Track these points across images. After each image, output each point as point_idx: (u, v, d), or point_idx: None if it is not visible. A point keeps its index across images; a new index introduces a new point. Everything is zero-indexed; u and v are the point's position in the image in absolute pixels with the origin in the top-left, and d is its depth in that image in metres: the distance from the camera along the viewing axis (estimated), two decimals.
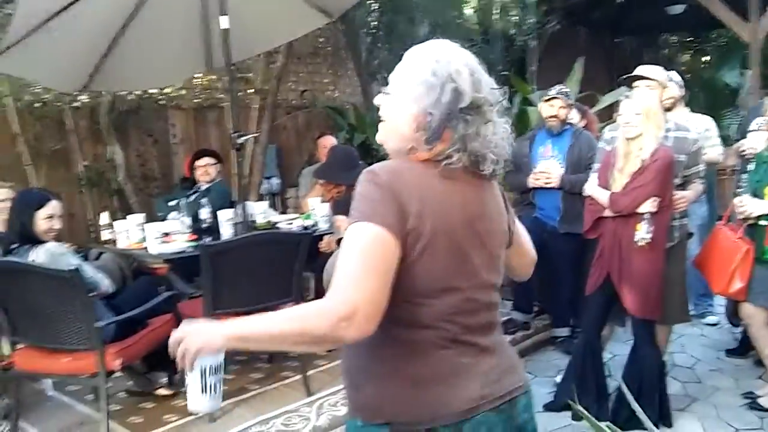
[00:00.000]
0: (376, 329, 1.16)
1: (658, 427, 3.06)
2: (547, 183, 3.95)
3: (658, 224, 2.93)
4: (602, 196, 3.06)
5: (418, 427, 1.23)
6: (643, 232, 2.90)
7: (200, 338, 1.20)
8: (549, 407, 3.34)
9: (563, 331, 4.21)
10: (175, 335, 1.23)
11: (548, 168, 4.00)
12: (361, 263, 1.15)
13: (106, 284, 3.03)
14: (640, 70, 3.40)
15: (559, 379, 3.53)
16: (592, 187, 3.16)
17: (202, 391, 1.30)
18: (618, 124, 3.08)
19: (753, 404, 3.30)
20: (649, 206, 2.90)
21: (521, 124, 5.29)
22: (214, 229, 3.97)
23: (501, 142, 1.30)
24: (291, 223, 4.25)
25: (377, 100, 1.35)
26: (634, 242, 2.92)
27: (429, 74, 1.26)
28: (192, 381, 1.31)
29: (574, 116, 4.17)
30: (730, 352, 4.00)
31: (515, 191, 4.51)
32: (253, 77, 6.10)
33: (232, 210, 3.96)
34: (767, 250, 3.09)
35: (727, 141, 4.24)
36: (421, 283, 1.22)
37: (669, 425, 3.12)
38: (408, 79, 1.29)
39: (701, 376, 3.75)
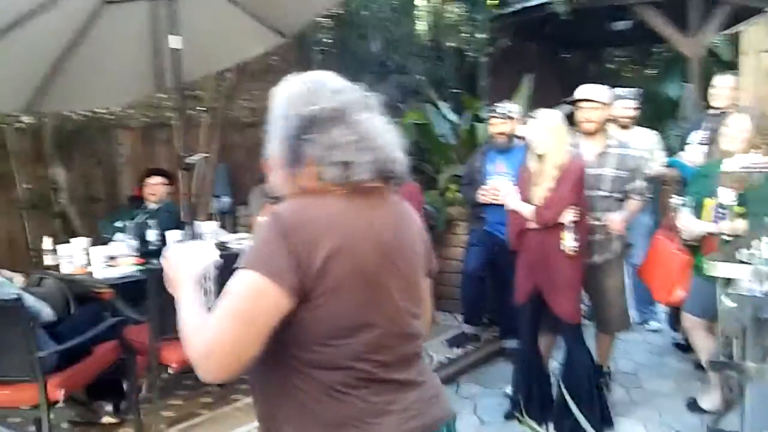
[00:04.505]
0: (291, 373, 1.21)
1: (602, 431, 3.16)
2: (494, 199, 4.01)
3: (581, 231, 3.09)
4: (526, 210, 3.17)
5: None
6: (570, 241, 3.05)
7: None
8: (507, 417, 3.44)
9: (513, 342, 4.26)
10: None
11: (498, 184, 4.05)
12: (230, 310, 1.15)
13: (46, 313, 2.95)
14: (582, 93, 3.47)
15: (508, 390, 3.58)
16: (515, 202, 3.25)
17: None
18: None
19: (693, 407, 3.41)
20: (571, 216, 3.05)
21: (471, 140, 5.38)
22: (162, 252, 3.90)
23: (375, 141, 1.25)
24: (242, 243, 4.20)
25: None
26: (561, 251, 3.07)
27: (274, 113, 1.31)
28: None
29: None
30: (677, 347, 4.20)
31: (468, 204, 4.59)
32: (203, 95, 6.04)
33: (180, 231, 3.90)
34: (703, 262, 3.20)
35: (670, 152, 4.38)
36: (331, 325, 1.20)
37: (610, 427, 3.23)
38: (268, 128, 1.32)
39: (644, 381, 3.87)
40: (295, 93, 1.29)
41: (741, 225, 3.00)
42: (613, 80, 9.46)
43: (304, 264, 1.16)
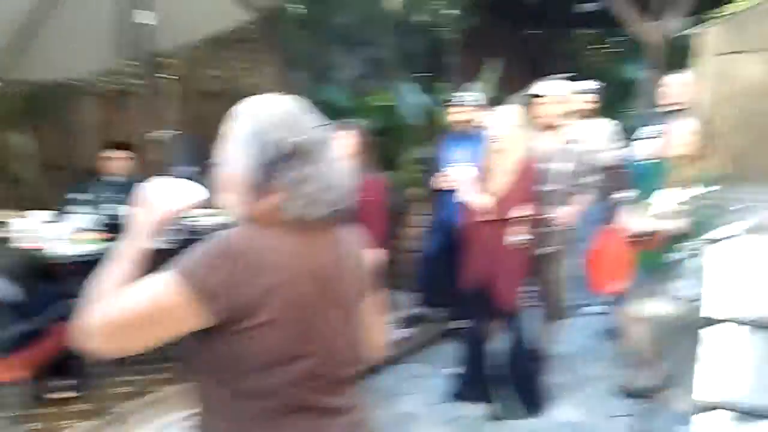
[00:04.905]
0: (226, 400, 1.23)
1: (537, 413, 3.37)
2: (451, 186, 4.12)
3: (531, 225, 3.27)
4: (478, 202, 3.31)
5: None
6: (518, 234, 3.23)
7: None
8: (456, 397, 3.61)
9: (462, 324, 4.43)
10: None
11: (454, 173, 4.15)
12: (143, 306, 1.16)
13: (10, 293, 2.99)
14: (539, 89, 3.56)
15: (455, 370, 3.76)
16: (467, 193, 3.37)
17: None
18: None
19: (624, 392, 3.59)
20: (524, 210, 3.21)
21: (436, 121, 5.46)
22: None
23: (335, 180, 1.28)
24: (209, 219, 4.20)
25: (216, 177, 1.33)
26: (510, 244, 3.24)
27: (245, 134, 1.27)
28: None
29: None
30: (608, 333, 4.36)
31: (428, 189, 4.71)
32: (171, 63, 5.97)
33: None
34: (644, 256, 3.39)
35: (627, 134, 4.49)
36: (265, 356, 1.21)
37: (542, 411, 3.42)
38: (231, 146, 1.29)
39: (581, 365, 4.05)
40: (276, 118, 1.26)
41: (681, 224, 3.19)
42: (577, 60, 9.57)
43: (240, 293, 1.17)
